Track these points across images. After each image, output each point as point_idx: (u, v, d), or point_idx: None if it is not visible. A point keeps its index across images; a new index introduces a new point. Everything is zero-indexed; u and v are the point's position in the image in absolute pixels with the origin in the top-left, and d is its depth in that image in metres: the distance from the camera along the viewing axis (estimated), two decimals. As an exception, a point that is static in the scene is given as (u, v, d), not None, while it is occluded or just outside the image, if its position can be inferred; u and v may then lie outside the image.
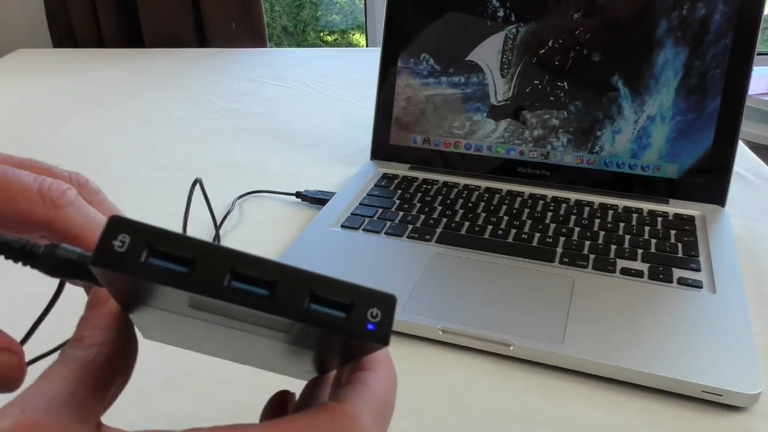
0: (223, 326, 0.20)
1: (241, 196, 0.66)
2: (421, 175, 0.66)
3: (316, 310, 0.17)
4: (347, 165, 0.73)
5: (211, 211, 0.60)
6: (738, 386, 0.38)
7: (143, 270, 0.17)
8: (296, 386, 0.26)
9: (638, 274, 0.49)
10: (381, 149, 0.70)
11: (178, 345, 0.28)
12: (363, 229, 0.56)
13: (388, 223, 0.57)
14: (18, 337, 0.22)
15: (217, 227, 0.59)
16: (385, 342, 0.18)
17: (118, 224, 0.17)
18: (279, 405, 0.25)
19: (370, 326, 0.18)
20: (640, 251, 0.52)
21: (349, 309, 0.18)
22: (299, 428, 0.17)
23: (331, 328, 0.17)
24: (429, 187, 0.64)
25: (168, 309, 0.20)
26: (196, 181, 0.61)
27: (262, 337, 0.20)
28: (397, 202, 0.61)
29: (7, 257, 0.20)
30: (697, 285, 0.47)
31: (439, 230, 0.55)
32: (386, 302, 0.18)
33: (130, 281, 0.17)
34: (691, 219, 0.57)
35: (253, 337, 0.21)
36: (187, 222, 0.58)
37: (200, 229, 0.59)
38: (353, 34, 3.22)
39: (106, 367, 0.19)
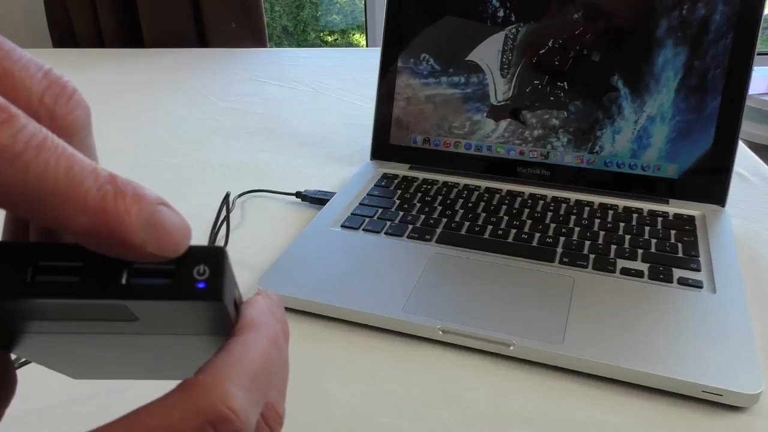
0: (92, 334, 0.18)
1: (241, 195, 0.66)
2: (421, 175, 0.66)
3: (135, 283, 0.16)
4: (347, 165, 0.73)
5: (227, 219, 0.60)
6: (738, 386, 0.38)
7: None
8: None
9: (638, 274, 0.49)
10: (381, 149, 0.69)
11: (97, 377, 0.26)
12: (363, 229, 0.56)
13: (388, 223, 0.57)
14: None
15: (215, 227, 0.59)
16: (216, 298, 0.16)
17: None
18: None
19: (200, 285, 0.16)
20: (640, 251, 0.52)
21: (173, 273, 0.16)
22: (148, 414, 0.15)
23: (159, 297, 0.16)
24: (429, 187, 0.63)
25: (29, 331, 0.18)
26: (227, 196, 0.62)
27: (146, 336, 0.19)
28: (397, 202, 0.61)
29: None
30: (697, 285, 0.47)
31: (439, 230, 0.55)
32: (213, 256, 0.16)
33: None
34: (691, 219, 0.57)
35: (140, 340, 0.19)
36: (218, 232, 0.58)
37: (198, 230, 0.59)
38: (353, 34, 3.22)
39: None
